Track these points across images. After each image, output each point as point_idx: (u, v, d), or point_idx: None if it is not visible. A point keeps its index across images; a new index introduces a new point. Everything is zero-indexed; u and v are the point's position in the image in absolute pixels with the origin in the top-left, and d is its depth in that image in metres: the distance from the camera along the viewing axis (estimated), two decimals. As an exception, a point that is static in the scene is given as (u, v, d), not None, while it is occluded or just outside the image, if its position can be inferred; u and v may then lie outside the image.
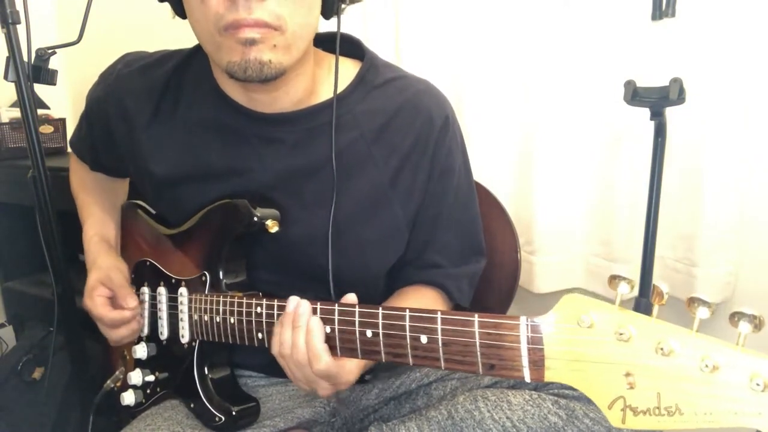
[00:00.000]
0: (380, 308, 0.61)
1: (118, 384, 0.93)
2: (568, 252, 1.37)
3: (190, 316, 0.81)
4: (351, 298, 0.67)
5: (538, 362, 0.51)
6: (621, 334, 0.45)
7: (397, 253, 0.85)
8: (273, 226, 0.76)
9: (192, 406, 0.81)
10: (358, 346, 0.63)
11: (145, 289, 0.90)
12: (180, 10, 0.73)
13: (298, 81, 0.77)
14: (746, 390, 0.40)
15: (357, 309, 0.63)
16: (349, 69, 0.83)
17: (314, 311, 0.67)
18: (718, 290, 1.19)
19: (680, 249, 1.23)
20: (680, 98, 0.97)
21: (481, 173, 0.96)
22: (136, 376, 0.88)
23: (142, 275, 0.91)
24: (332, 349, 0.66)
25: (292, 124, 0.79)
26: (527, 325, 0.51)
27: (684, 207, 1.20)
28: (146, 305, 0.89)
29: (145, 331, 0.89)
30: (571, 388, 0.72)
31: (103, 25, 1.31)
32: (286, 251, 0.81)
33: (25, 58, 0.99)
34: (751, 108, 1.12)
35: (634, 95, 1.01)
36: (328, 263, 0.77)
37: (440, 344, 0.57)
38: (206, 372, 0.81)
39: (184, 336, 0.82)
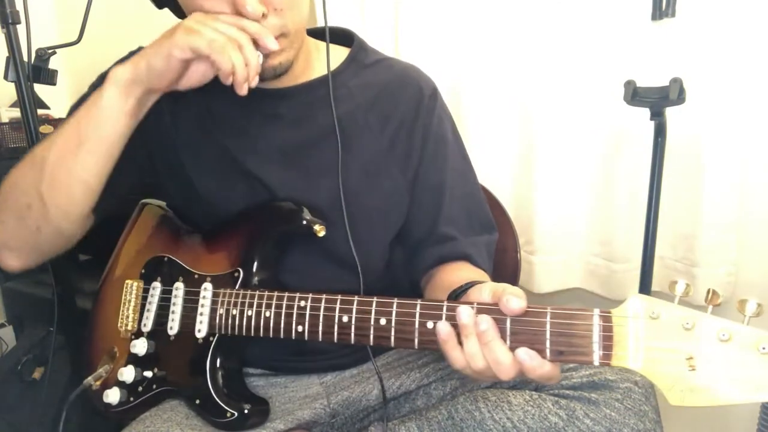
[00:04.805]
0: (445, 302, 0.63)
1: (98, 382, 0.89)
2: (568, 252, 1.37)
3: (213, 311, 0.81)
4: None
5: (607, 347, 0.56)
6: (687, 323, 0.53)
7: (400, 219, 0.87)
8: (321, 231, 0.78)
9: (198, 402, 0.80)
10: (417, 336, 0.64)
11: (157, 284, 0.88)
12: (182, 16, 0.74)
13: (296, 60, 0.80)
14: None
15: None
16: (341, 52, 0.88)
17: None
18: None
19: (680, 249, 1.23)
20: (680, 98, 0.97)
21: (481, 173, 0.96)
22: (128, 373, 0.85)
23: (156, 271, 0.90)
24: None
25: (292, 98, 0.83)
26: (599, 315, 0.57)
27: (684, 207, 1.20)
28: (156, 299, 0.88)
29: (149, 326, 0.88)
30: (571, 388, 0.73)
31: (103, 25, 1.31)
32: None
33: (25, 58, 0.99)
34: (750, 108, 1.12)
35: (634, 95, 1.01)
36: (340, 234, 0.80)
37: (508, 333, 0.59)
38: (218, 367, 0.81)
39: (201, 330, 0.81)
